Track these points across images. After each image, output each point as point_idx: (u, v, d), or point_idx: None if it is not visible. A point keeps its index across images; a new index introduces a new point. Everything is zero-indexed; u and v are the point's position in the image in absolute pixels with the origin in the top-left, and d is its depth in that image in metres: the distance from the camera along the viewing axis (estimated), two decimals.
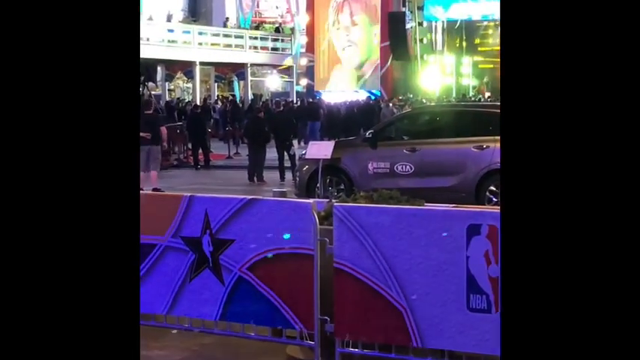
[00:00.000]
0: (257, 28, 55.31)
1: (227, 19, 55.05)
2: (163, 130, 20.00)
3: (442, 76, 53.22)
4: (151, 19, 42.49)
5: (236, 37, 48.44)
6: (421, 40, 53.21)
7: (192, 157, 27.59)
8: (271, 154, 23.62)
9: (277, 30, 54.67)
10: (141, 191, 6.77)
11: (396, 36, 48.97)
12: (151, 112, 19.59)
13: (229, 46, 46.99)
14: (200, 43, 44.72)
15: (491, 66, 57.48)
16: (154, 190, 16.44)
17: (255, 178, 22.28)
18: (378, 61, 50.04)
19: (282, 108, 26.90)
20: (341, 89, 49.04)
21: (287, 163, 22.26)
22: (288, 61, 49.96)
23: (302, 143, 32.25)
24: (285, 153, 22.52)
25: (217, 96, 47.82)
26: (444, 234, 6.07)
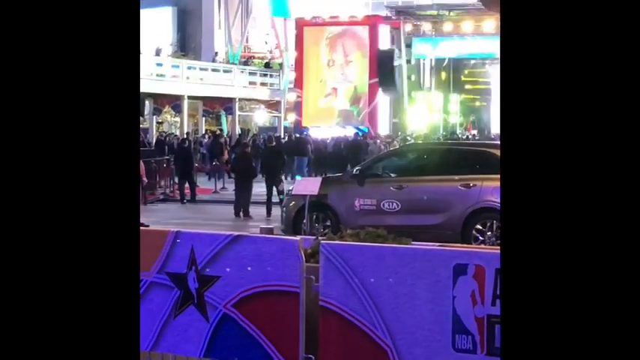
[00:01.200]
0: (246, 63, 55.48)
1: (216, 53, 55.21)
2: (141, 164, 19.71)
3: (430, 113, 53.42)
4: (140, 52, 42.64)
5: (224, 71, 48.58)
6: (409, 78, 53.45)
7: (178, 192, 27.55)
8: (259, 188, 23.61)
9: (267, 65, 54.85)
10: None
11: (384, 73, 49.15)
12: None
13: (218, 80, 47.10)
14: (188, 78, 44.81)
15: (479, 104, 57.84)
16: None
17: (241, 214, 22.25)
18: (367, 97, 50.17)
19: (274, 143, 26.83)
20: (331, 125, 49.07)
21: (275, 199, 22.23)
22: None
23: (289, 179, 32.26)
24: (275, 188, 22.50)
25: (205, 130, 47.83)
26: (431, 273, 6.05)
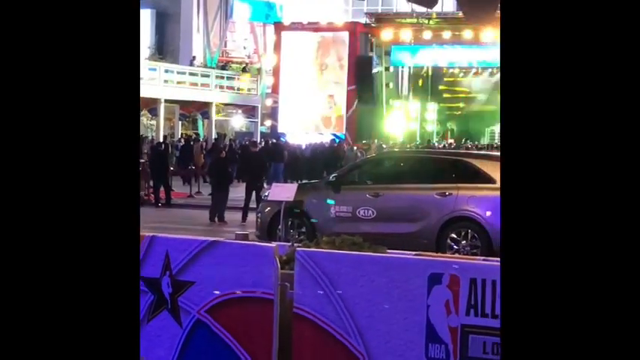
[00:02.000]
0: (224, 67, 55.43)
1: (194, 57, 55.16)
2: None
3: (407, 121, 53.53)
4: None
5: (202, 75, 48.54)
6: (387, 85, 53.55)
7: (153, 195, 27.46)
8: (237, 194, 23.55)
9: (244, 70, 54.82)
10: None
11: (362, 80, 49.21)
12: None
13: (195, 84, 47.05)
14: (166, 81, 44.72)
15: (457, 112, 58.03)
16: None
17: (216, 219, 22.19)
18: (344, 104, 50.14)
19: (257, 148, 26.72)
20: (307, 131, 49.06)
21: (253, 204, 22.14)
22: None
23: (265, 184, 32.26)
24: (254, 194, 22.38)
25: (181, 134, 47.75)
26: (405, 282, 6.05)
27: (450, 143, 51.94)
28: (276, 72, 51.59)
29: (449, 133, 56.63)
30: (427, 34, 50.98)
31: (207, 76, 48.61)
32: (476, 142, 51.66)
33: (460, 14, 37.11)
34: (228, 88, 49.71)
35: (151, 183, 28.02)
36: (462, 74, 56.52)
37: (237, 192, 24.40)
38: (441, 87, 57.02)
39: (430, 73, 55.68)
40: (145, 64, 45.85)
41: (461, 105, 58.76)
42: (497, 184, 11.57)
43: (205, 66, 53.03)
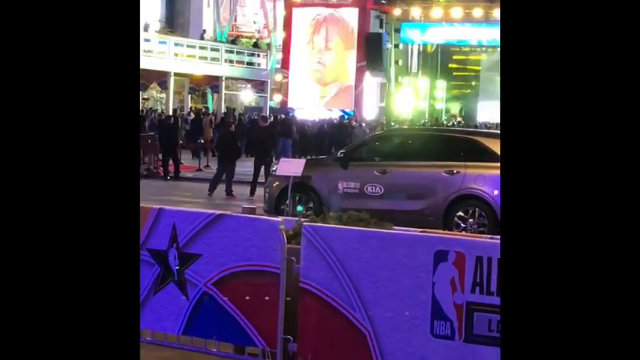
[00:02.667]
0: (233, 42, 55.28)
1: (204, 31, 54.98)
2: None
3: (416, 99, 53.40)
4: None
5: (212, 49, 48.38)
6: (397, 62, 53.40)
7: (162, 168, 27.48)
8: (244, 168, 23.53)
9: (255, 45, 54.67)
10: None
11: (372, 56, 49.11)
12: None
13: (205, 58, 46.93)
14: (176, 54, 44.62)
15: (466, 91, 57.86)
16: None
17: (213, 192, 22.12)
18: (349, 83, 49.98)
19: (267, 123, 26.60)
20: (306, 106, 49.07)
21: (261, 179, 22.08)
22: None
23: (274, 160, 32.25)
24: (263, 169, 22.31)
25: (190, 107, 47.70)
26: (412, 259, 6.07)
27: (459, 121, 51.81)
28: (285, 47, 51.47)
29: (458, 112, 56.44)
30: (437, 12, 50.76)
31: (217, 50, 48.46)
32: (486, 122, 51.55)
33: None
34: (237, 62, 49.57)
35: (160, 156, 28.02)
36: (471, 52, 56.30)
37: (245, 166, 24.38)
38: (450, 65, 56.80)
39: (440, 50, 55.43)
40: (155, 38, 45.75)
41: (472, 83, 58.56)
42: None
43: (215, 40, 52.83)
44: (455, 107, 57.76)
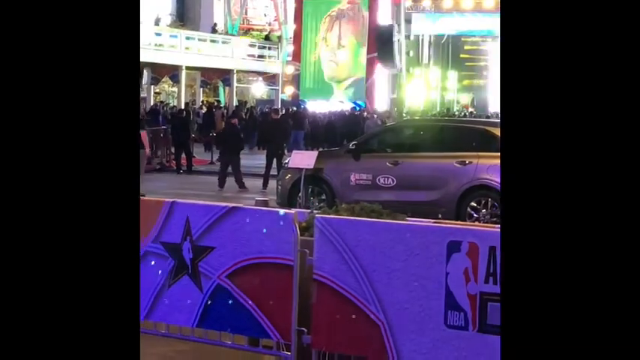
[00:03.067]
0: (244, 34, 55.30)
1: (215, 24, 55.06)
2: (143, 134, 19.34)
3: (427, 90, 53.33)
4: None
5: (223, 42, 48.42)
6: (408, 54, 53.33)
7: (174, 162, 27.54)
8: (257, 160, 23.53)
9: (267, 38, 54.67)
10: None
11: (383, 48, 49.06)
12: None
13: (216, 51, 46.97)
14: (187, 48, 44.68)
15: (477, 81, 57.73)
16: None
17: (224, 185, 22.11)
18: (362, 76, 49.94)
19: (279, 115, 26.55)
20: (319, 98, 49.09)
21: (274, 172, 22.07)
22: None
23: (286, 152, 32.26)
24: (275, 161, 22.30)
25: (202, 101, 47.76)
26: (424, 250, 6.08)
27: (471, 112, 51.72)
28: (296, 39, 51.48)
29: (470, 102, 56.32)
30: (448, 2, 50.71)
31: (228, 43, 48.48)
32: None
33: None
34: (249, 55, 49.59)
35: (173, 150, 28.08)
36: (482, 42, 56.19)
37: (258, 159, 24.39)
38: (461, 55, 56.69)
39: (450, 40, 55.33)
40: (167, 31, 45.81)
41: (484, 73, 58.44)
42: None
43: (226, 33, 52.86)
44: (466, 98, 57.61)
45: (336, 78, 50.16)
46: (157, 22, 48.10)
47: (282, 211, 6.80)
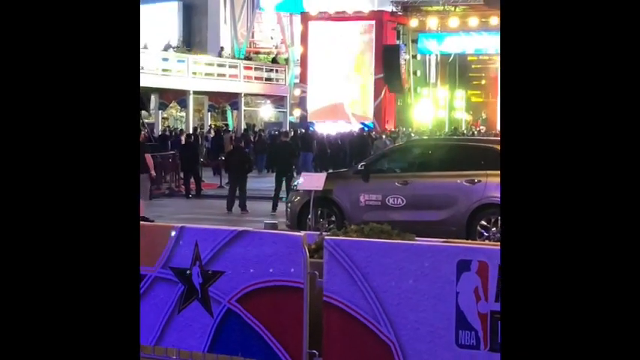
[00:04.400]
0: (251, 58, 55.44)
1: (222, 48, 55.23)
2: (148, 157, 19.19)
3: (435, 109, 53.34)
4: (145, 47, 42.59)
5: (230, 66, 48.53)
6: (415, 73, 53.38)
7: (183, 186, 27.57)
8: (266, 183, 23.54)
9: (274, 60, 54.79)
10: None
11: (389, 68, 49.14)
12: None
13: (223, 75, 47.07)
14: (194, 73, 44.78)
15: (484, 99, 57.68)
16: (142, 219, 16.32)
17: (232, 208, 22.10)
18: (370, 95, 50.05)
19: (288, 138, 26.52)
20: (333, 120, 49.12)
21: (283, 194, 22.01)
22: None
23: (295, 174, 32.29)
24: (284, 183, 22.27)
25: (210, 125, 47.84)
26: (434, 269, 6.06)
27: (479, 130, 51.67)
28: (303, 62, 51.58)
29: (479, 120, 56.23)
30: (454, 22, 50.74)
31: (236, 66, 48.59)
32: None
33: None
34: (256, 78, 49.71)
35: (182, 174, 28.11)
36: (489, 61, 56.23)
37: (267, 182, 24.38)
38: (469, 74, 56.71)
39: (457, 59, 55.36)
40: (174, 57, 45.92)
41: (488, 92, 58.39)
42: None
43: (233, 57, 53.02)
44: (474, 116, 57.53)
45: (350, 99, 50.20)
46: (166, 48, 48.23)
47: (291, 234, 6.79)
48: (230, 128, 46.96)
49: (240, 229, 6.98)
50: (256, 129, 47.64)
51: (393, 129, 46.14)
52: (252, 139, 40.29)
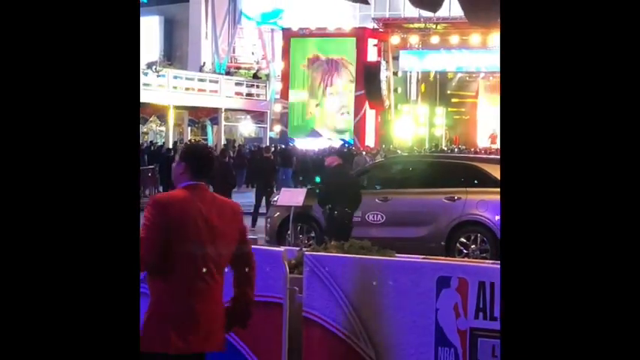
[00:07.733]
0: (230, 73, 55.38)
1: (203, 63, 55.19)
2: None
3: (416, 126, 53.46)
4: None
5: (211, 81, 48.50)
6: (395, 90, 53.52)
7: None
8: (245, 199, 23.53)
9: (255, 76, 54.78)
10: None
11: (370, 86, 49.24)
12: None
13: (204, 90, 47.03)
14: (175, 87, 44.71)
15: (465, 117, 57.91)
16: None
17: None
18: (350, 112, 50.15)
19: (270, 153, 26.54)
20: (307, 136, 49.19)
21: (263, 209, 22.00)
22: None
23: (275, 190, 32.21)
24: (264, 199, 22.23)
25: (189, 139, 47.74)
26: (414, 286, 6.06)
27: (459, 147, 51.82)
28: (284, 78, 51.63)
29: (459, 137, 56.38)
30: (435, 39, 50.97)
31: (216, 82, 48.56)
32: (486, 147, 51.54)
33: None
34: (237, 93, 49.68)
35: (161, 188, 28.06)
36: (469, 78, 56.48)
37: (246, 197, 24.35)
38: (449, 91, 56.92)
39: (438, 77, 55.55)
40: (154, 71, 45.81)
41: (469, 109, 58.61)
42: None
43: (214, 72, 52.97)
44: (453, 133, 57.68)
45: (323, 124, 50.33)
46: (149, 66, 48.04)
47: (270, 249, 6.78)
48: (209, 143, 46.88)
49: None
50: (236, 144, 47.57)
51: (372, 146, 46.18)
52: (231, 153, 40.25)
